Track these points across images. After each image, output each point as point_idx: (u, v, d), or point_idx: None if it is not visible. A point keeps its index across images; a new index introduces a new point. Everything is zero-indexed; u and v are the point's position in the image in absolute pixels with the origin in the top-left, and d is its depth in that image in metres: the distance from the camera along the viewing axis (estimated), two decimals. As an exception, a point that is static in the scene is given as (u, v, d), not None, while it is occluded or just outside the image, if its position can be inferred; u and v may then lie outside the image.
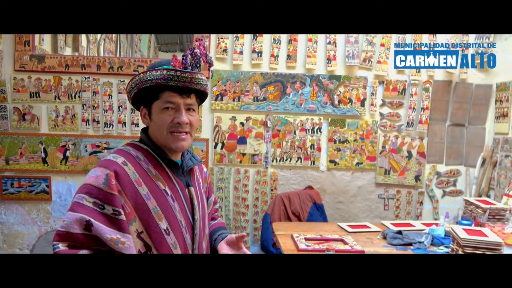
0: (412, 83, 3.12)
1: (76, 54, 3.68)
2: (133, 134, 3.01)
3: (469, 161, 3.22)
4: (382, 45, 3.08)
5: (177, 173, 1.22)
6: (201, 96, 1.24)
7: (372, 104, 3.12)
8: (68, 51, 3.58)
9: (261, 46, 3.02)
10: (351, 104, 3.10)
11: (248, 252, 1.30)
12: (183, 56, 1.15)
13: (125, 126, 3.00)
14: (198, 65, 1.17)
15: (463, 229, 1.95)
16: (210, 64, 1.20)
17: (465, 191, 3.23)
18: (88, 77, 2.96)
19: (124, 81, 2.97)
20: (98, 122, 2.98)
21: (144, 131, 1.24)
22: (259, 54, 3.03)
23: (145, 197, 1.10)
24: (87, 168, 2.96)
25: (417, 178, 3.19)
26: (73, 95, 2.96)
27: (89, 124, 2.97)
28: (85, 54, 3.85)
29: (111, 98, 2.98)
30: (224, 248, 1.29)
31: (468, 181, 3.21)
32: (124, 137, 2.99)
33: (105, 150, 2.98)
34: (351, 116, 3.12)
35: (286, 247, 2.07)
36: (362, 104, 3.11)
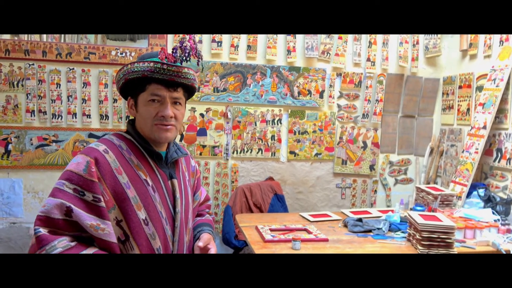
0: (367, 76, 3.23)
1: (16, 38, 3.36)
2: (84, 126, 2.82)
3: (418, 151, 3.41)
4: (340, 38, 3.15)
5: (161, 165, 1.22)
6: (189, 90, 1.25)
7: (330, 96, 3.19)
8: (5, 35, 3.24)
9: (221, 35, 2.96)
10: (310, 96, 3.14)
11: (213, 252, 1.28)
12: (172, 49, 1.16)
13: (76, 117, 2.80)
14: (188, 59, 1.18)
15: (419, 214, 2.06)
16: (200, 58, 1.21)
17: (415, 179, 3.42)
18: (33, 64, 2.72)
19: (74, 69, 2.77)
20: (45, 113, 2.75)
21: (130, 122, 1.24)
22: (219, 43, 2.97)
23: (124, 185, 1.09)
24: (33, 163, 2.73)
25: (371, 167, 3.32)
26: (15, 83, 2.70)
27: (34, 115, 2.74)
28: (26, 39, 3.52)
29: (60, 87, 2.76)
30: (196, 248, 1.27)
31: (418, 169, 3.41)
32: (74, 129, 2.80)
33: (54, 143, 2.77)
34: (310, 107, 3.16)
35: (252, 238, 2.06)
36: (321, 96, 3.16)
